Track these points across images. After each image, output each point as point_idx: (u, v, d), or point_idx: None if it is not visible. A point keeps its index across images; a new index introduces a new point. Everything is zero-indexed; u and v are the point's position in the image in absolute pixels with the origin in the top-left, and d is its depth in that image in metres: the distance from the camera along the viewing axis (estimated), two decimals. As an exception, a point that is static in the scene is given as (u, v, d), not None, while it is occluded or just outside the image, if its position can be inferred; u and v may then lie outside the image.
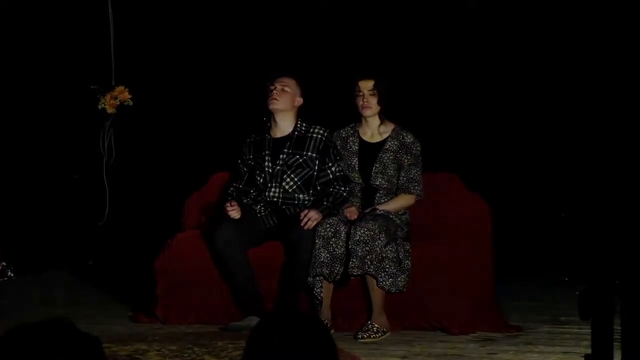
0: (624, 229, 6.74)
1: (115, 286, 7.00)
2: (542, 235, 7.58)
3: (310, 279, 5.89)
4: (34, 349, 2.19)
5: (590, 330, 3.09)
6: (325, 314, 5.84)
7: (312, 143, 6.25)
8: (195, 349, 5.41)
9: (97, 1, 7.71)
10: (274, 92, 6.23)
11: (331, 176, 6.20)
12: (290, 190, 6.23)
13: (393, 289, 5.89)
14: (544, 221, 7.59)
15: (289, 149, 6.25)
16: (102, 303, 6.69)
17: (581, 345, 5.30)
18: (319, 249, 5.88)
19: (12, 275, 7.20)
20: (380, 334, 5.82)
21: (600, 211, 7.19)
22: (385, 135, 6.24)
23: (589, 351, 3.11)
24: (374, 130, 6.27)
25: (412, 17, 7.62)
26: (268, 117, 6.33)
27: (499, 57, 7.60)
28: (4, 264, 6.87)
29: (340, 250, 5.88)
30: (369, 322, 5.85)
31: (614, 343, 3.08)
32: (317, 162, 6.23)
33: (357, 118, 6.28)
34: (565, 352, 5.37)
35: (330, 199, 6.13)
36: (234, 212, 6.13)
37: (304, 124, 6.29)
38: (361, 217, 6.02)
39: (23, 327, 2.23)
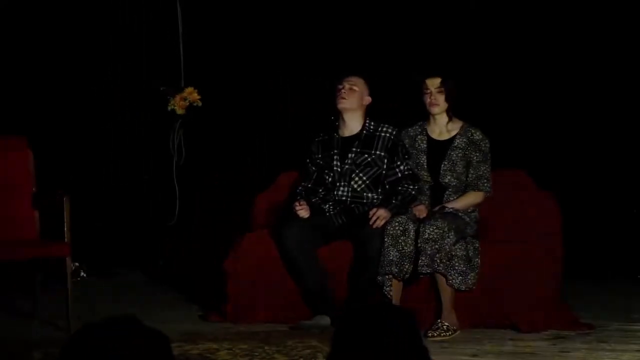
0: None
1: (185, 286, 7.03)
2: (613, 232, 7.49)
3: (379, 277, 5.88)
4: (102, 348, 2.20)
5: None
6: (395, 312, 5.82)
7: (380, 142, 6.23)
8: (266, 347, 5.42)
9: (167, 4, 7.78)
10: (343, 91, 6.23)
11: (400, 175, 6.18)
12: (359, 189, 6.22)
13: (463, 287, 5.87)
14: (616, 218, 7.50)
15: (357, 147, 6.24)
16: (172, 302, 6.73)
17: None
18: (388, 247, 5.87)
19: (84, 275, 7.27)
20: (450, 332, 5.79)
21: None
22: (453, 133, 6.22)
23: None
24: (442, 127, 6.24)
25: (478, 13, 7.57)
26: (336, 117, 6.32)
27: (568, 52, 7.51)
28: (76, 264, 6.93)
29: (409, 249, 5.86)
30: (439, 321, 5.83)
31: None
32: (385, 160, 6.21)
33: (425, 116, 6.26)
34: (639, 350, 5.32)
35: (399, 197, 6.11)
36: (303, 212, 6.13)
37: (372, 123, 6.28)
38: (430, 215, 6.00)
39: (91, 326, 2.25)
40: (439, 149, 6.21)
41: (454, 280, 5.84)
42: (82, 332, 2.25)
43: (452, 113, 6.22)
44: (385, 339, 2.39)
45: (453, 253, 5.84)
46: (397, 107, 6.76)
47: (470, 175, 6.17)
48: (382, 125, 6.28)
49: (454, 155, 6.17)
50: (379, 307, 2.57)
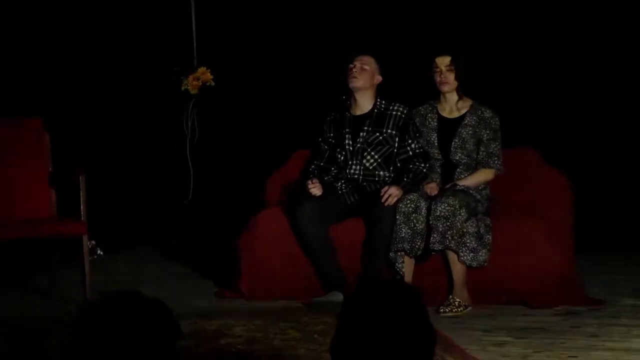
0: None
1: (200, 263, 7.06)
2: (625, 208, 7.48)
3: (391, 254, 5.91)
4: (109, 322, 2.25)
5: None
6: (407, 288, 5.84)
7: (391, 120, 6.25)
8: (280, 324, 5.46)
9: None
10: (354, 70, 6.24)
11: (411, 153, 6.20)
12: (370, 168, 6.23)
13: (474, 264, 5.89)
14: (627, 195, 7.48)
15: (369, 126, 6.25)
16: (187, 279, 6.76)
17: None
18: (400, 224, 5.89)
19: (101, 253, 7.30)
20: (462, 308, 5.82)
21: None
22: (463, 111, 6.23)
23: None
24: (452, 106, 6.25)
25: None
26: (348, 95, 6.34)
27: (577, 32, 7.49)
28: (93, 242, 6.96)
29: (421, 226, 5.88)
30: (451, 297, 5.85)
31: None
32: (397, 139, 6.22)
33: (436, 95, 6.27)
34: (649, 326, 5.36)
35: (411, 175, 6.13)
36: (316, 189, 6.16)
37: (383, 102, 6.29)
38: (441, 193, 6.02)
39: (98, 301, 2.31)
40: (449, 127, 6.22)
41: (465, 257, 5.87)
42: (89, 307, 2.31)
43: (462, 91, 6.23)
44: (391, 317, 2.39)
45: (464, 230, 5.86)
46: (408, 85, 6.74)
47: (480, 153, 6.18)
48: (393, 103, 6.28)
49: (465, 133, 6.18)
50: (386, 286, 2.57)
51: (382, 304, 2.42)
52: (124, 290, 2.35)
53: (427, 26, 7.50)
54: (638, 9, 7.40)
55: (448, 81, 6.17)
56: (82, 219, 5.98)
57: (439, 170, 6.21)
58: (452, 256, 5.88)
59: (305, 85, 7.68)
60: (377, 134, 6.24)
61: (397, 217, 5.90)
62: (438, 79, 6.18)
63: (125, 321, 2.26)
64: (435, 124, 6.25)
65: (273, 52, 7.79)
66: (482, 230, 5.93)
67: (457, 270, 5.89)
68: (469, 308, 5.84)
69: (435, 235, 5.84)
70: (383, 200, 5.97)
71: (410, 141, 6.21)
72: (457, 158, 6.18)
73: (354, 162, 6.24)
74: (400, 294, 2.47)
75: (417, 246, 5.89)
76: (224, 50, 7.80)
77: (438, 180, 6.18)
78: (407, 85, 6.75)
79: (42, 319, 5.54)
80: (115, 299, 2.33)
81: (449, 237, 5.83)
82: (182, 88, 7.68)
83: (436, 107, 6.28)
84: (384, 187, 6.07)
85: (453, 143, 6.18)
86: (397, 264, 5.90)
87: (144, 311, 2.31)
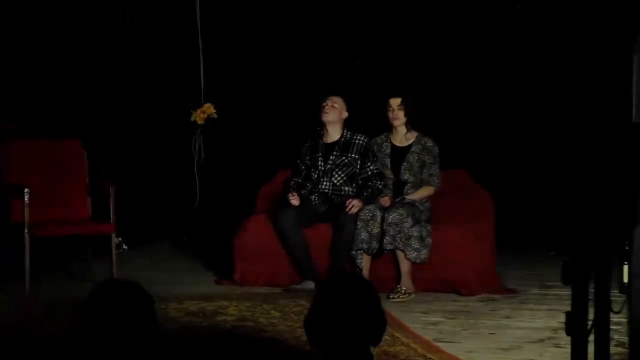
0: (597, 218, 6.63)
1: (203, 256, 7.02)
2: (534, 218, 7.48)
3: (353, 252, 5.88)
4: (108, 304, 2.44)
5: (570, 293, 3.05)
6: (365, 279, 5.82)
7: (355, 147, 6.23)
8: (264, 305, 5.43)
9: (190, 39, 7.78)
10: (326, 107, 6.23)
11: (370, 173, 6.18)
12: (338, 184, 6.21)
13: (417, 261, 5.87)
14: (537, 207, 7.48)
15: (337, 151, 6.24)
16: (193, 270, 6.72)
17: (563, 304, 5.24)
18: (360, 229, 5.87)
19: (126, 248, 7.25)
20: (407, 295, 5.80)
21: (578, 203, 7.07)
22: (410, 141, 6.22)
23: (570, 309, 3.08)
24: (402, 137, 6.24)
25: (430, 51, 7.54)
26: (321, 127, 6.32)
27: (497, 77, 7.48)
28: (119, 239, 6.91)
29: (376, 230, 5.87)
30: (398, 286, 5.83)
31: (589, 303, 3.04)
32: (359, 162, 6.21)
33: (389, 128, 6.26)
34: (550, 310, 5.36)
35: (369, 190, 6.11)
36: (295, 200, 6.13)
37: (348, 132, 6.28)
38: (393, 205, 6.01)
39: (101, 288, 2.53)
40: (399, 153, 6.21)
41: (410, 255, 5.85)
42: (95, 293, 2.49)
43: (409, 125, 6.22)
44: (352, 301, 2.41)
45: (410, 234, 5.85)
46: (368, 120, 6.74)
47: (424, 174, 6.17)
48: (356, 134, 6.27)
49: (411, 158, 6.17)
50: (349, 277, 2.62)
51: (345, 290, 2.44)
52: (125, 280, 2.54)
53: (384, 77, 7.50)
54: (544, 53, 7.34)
55: (398, 117, 6.16)
56: (111, 221, 5.95)
57: (391, 187, 6.20)
58: (400, 254, 5.87)
59: (287, 119, 7.67)
60: (344, 157, 6.23)
61: (358, 223, 5.88)
62: (391, 115, 6.17)
63: (119, 295, 2.46)
64: (389, 150, 6.24)
65: (263, 93, 7.79)
66: (424, 234, 5.92)
67: (404, 265, 5.87)
68: (413, 295, 5.82)
69: (387, 238, 5.82)
70: (347, 209, 5.96)
71: (369, 164, 6.19)
72: (406, 177, 6.17)
73: (325, 179, 6.22)
74: (359, 284, 2.49)
75: (373, 246, 5.87)
76: (225, 91, 7.79)
77: (390, 194, 6.17)
78: (368, 120, 6.74)
79: (77, 300, 5.48)
80: (114, 283, 2.63)
81: (398, 240, 5.81)
82: (191, 119, 7.66)
83: (389, 138, 6.27)
84: (348, 199, 6.05)
85: (402, 166, 6.17)
86: (357, 260, 5.88)
87: (130, 289, 2.47)
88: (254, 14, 7.77)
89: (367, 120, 6.58)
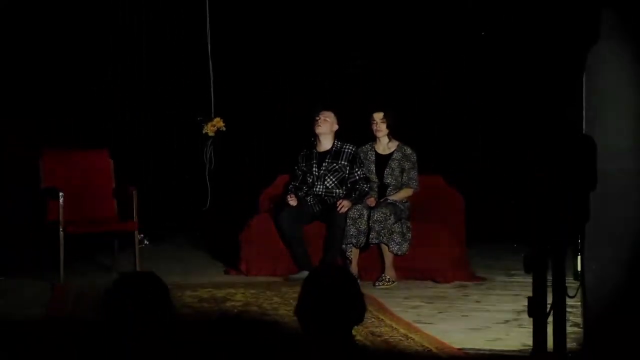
0: (554, 216, 6.61)
1: (214, 250, 7.01)
2: (500, 216, 7.47)
3: (343, 246, 5.88)
4: (129, 292, 2.42)
5: (531, 280, 3.06)
6: (354, 269, 5.82)
7: (344, 155, 6.23)
8: (267, 292, 5.43)
9: (201, 57, 7.75)
10: (319, 121, 6.22)
11: (357, 177, 6.18)
12: (330, 187, 6.21)
13: (399, 253, 5.87)
14: (503, 205, 7.46)
15: (329, 159, 6.24)
16: (205, 261, 6.70)
17: (526, 290, 5.14)
18: (349, 226, 5.87)
19: (147, 243, 7.23)
20: (390, 283, 5.80)
21: (537, 201, 7.04)
22: (392, 149, 6.21)
23: (531, 294, 3.08)
24: (384, 146, 6.23)
25: (413, 70, 7.51)
26: (315, 138, 6.32)
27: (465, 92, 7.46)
28: (142, 235, 6.88)
29: (364, 227, 5.87)
30: (383, 275, 5.83)
31: (547, 289, 3.05)
32: (348, 168, 6.21)
33: (373, 138, 6.25)
34: (514, 295, 5.34)
35: (357, 192, 6.11)
36: (293, 202, 6.13)
37: (339, 142, 6.27)
38: (378, 205, 6.00)
39: (122, 279, 2.49)
40: (383, 160, 6.20)
41: (393, 248, 5.85)
42: (117, 282, 2.46)
43: (391, 136, 6.22)
44: (335, 288, 2.43)
45: (393, 230, 5.85)
46: (355, 131, 6.72)
47: (404, 178, 6.17)
48: (346, 144, 6.27)
49: (393, 164, 6.18)
50: (330, 269, 2.67)
51: (328, 280, 2.45)
52: (143, 272, 2.63)
53: (369, 92, 7.48)
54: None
55: (381, 129, 6.16)
56: (134, 220, 5.94)
57: (376, 189, 6.19)
58: (384, 247, 5.87)
59: (286, 131, 7.65)
60: (335, 164, 6.22)
61: (348, 220, 5.88)
62: (374, 127, 6.16)
63: (138, 286, 2.44)
64: (373, 158, 6.24)
65: (267, 108, 7.76)
66: (404, 230, 5.92)
67: (388, 257, 5.87)
68: (395, 283, 5.82)
69: (373, 233, 5.82)
70: (338, 209, 5.96)
71: (357, 169, 6.19)
72: (388, 181, 6.17)
73: (319, 183, 6.22)
74: (339, 274, 2.51)
75: (361, 240, 5.87)
76: (233, 106, 7.77)
77: (375, 196, 6.16)
78: (355, 131, 6.73)
79: (104, 288, 5.46)
80: (134, 274, 2.71)
81: (383, 235, 5.82)
82: (203, 131, 7.64)
83: (374, 147, 6.27)
84: (339, 200, 6.05)
85: (385, 171, 6.17)
86: (347, 253, 5.88)
87: (148, 280, 2.46)
88: (254, 17, 7.60)
89: (355, 131, 6.58)
